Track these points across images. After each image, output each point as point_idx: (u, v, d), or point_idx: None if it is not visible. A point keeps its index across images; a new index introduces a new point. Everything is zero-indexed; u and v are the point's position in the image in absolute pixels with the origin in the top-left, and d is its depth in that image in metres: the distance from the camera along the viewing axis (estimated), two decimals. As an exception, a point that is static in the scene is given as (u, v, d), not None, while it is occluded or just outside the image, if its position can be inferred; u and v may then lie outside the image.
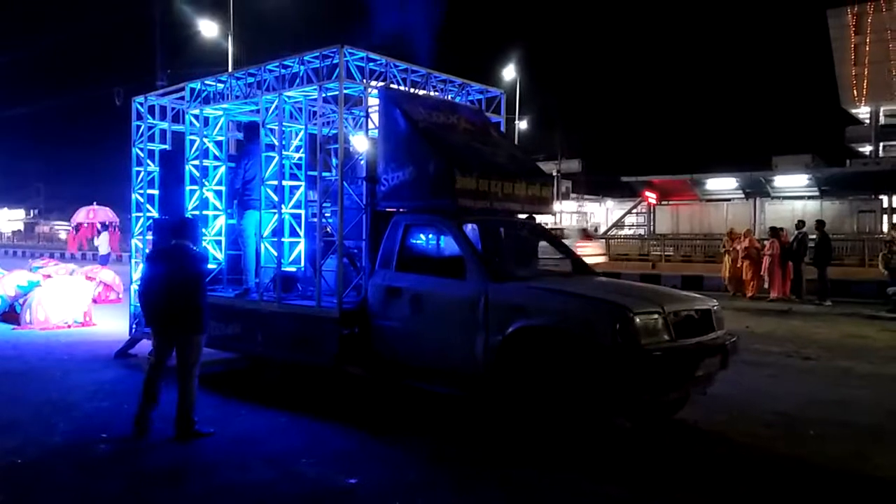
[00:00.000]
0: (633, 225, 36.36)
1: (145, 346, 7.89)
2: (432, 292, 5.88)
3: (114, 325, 10.32)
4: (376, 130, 6.55)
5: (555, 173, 36.92)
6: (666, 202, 31.81)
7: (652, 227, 31.67)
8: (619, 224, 36.28)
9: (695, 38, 69.86)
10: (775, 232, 16.23)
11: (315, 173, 6.77)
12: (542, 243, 7.69)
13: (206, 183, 7.88)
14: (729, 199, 30.09)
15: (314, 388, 6.95)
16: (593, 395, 4.90)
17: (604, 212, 44.48)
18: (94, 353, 8.54)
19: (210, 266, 7.78)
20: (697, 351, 5.23)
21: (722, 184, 30.15)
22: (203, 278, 5.36)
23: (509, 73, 33.20)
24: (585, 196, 45.24)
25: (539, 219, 7.59)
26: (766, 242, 16.36)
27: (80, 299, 10.89)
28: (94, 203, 22.28)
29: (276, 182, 6.93)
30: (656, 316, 5.10)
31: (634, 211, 35.46)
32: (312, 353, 6.43)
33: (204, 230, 7.82)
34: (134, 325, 8.41)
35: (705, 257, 23.92)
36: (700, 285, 16.90)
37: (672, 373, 5.07)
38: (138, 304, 5.34)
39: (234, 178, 7.51)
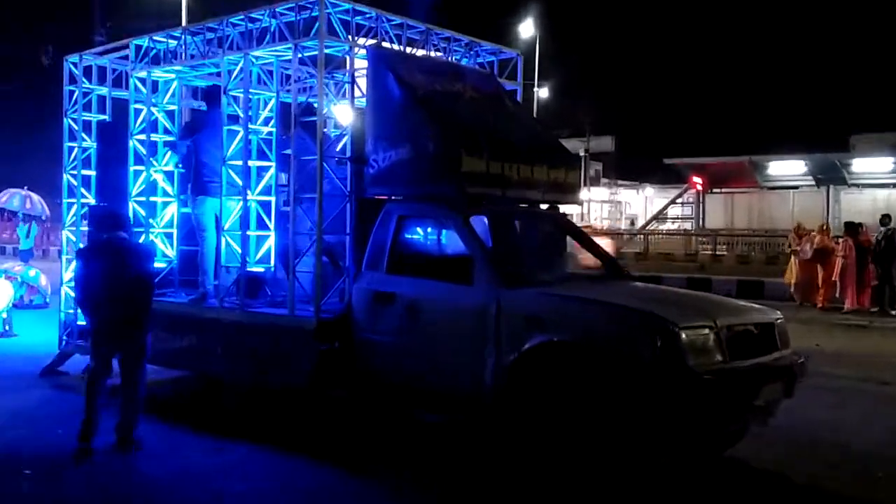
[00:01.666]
0: (677, 217, 36.42)
1: (78, 362, 7.90)
2: (431, 300, 5.88)
3: (40, 335, 10.31)
4: (364, 99, 6.56)
5: (582, 154, 37.06)
6: (718, 190, 31.84)
7: (701, 221, 31.70)
8: (660, 216, 36.32)
9: (756, -11, 69.79)
10: (852, 228, 16.17)
11: (289, 152, 6.77)
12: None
13: (155, 162, 7.88)
14: (796, 187, 30.11)
15: (282, 413, 6.94)
16: (628, 429, 4.90)
17: (642, 201, 44.56)
18: (16, 371, 8.53)
19: (159, 265, 7.80)
20: (757, 374, 5.24)
21: (787, 168, 30.17)
22: (153, 277, 5.89)
23: (527, 29, 33.22)
24: (619, 182, 45.33)
25: (563, 209, 7.58)
26: (839, 241, 16.32)
27: (-3, 304, 10.88)
28: (26, 188, 22.17)
29: (240, 162, 6.92)
30: (707, 331, 5.10)
31: (680, 200, 35.51)
32: (284, 373, 6.43)
33: (152, 220, 7.82)
34: (65, 337, 8.42)
35: (766, 258, 23.94)
36: (760, 293, 16.90)
37: (726, 401, 5.06)
38: (77, 309, 5.80)
39: (188, 156, 7.50)
